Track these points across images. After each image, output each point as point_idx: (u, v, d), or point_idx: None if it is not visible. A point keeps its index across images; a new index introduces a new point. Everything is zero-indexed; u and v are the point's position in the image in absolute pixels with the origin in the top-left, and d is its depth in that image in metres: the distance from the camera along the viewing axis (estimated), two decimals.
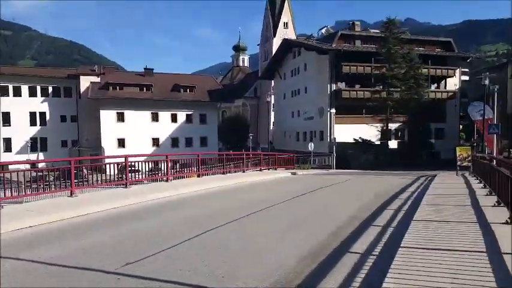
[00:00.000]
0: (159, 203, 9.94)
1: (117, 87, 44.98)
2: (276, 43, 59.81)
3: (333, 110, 38.28)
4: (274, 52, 56.88)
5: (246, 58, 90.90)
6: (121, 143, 44.24)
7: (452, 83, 40.84)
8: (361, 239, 5.89)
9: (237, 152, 22.59)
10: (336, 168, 30.45)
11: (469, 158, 17.82)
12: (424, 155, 35.93)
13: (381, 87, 36.25)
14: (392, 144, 37.83)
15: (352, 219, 7.55)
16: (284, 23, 69.86)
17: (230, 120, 58.09)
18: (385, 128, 36.82)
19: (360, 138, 36.77)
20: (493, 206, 7.48)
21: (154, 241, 5.90)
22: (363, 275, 4.29)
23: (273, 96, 56.99)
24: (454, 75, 40.50)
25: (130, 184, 11.64)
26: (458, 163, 18.67)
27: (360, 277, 4.21)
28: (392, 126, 37.75)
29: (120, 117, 44.71)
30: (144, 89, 46.40)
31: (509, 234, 5.20)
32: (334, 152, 32.26)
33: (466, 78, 51.93)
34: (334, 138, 35.59)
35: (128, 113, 44.91)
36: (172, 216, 8.19)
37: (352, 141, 36.62)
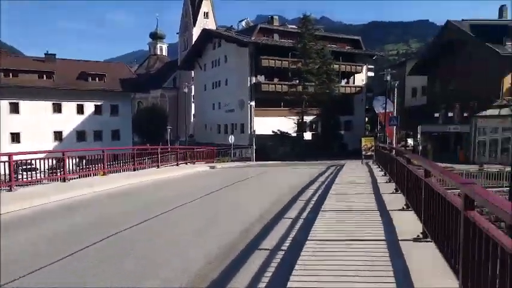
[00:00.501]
0: (48, 209, 8.33)
1: (11, 74, 39.50)
2: (196, 33, 58.32)
3: (253, 103, 38.66)
4: (194, 42, 55.45)
5: (165, 47, 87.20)
6: (15, 137, 39.19)
7: (360, 79, 44.28)
8: (272, 234, 5.86)
9: (152, 146, 21.48)
10: (256, 161, 30.80)
11: (373, 148, 19.42)
12: (335, 145, 38.37)
13: (297, 81, 37.68)
14: (307, 136, 39.71)
15: (265, 213, 7.52)
16: (204, 12, 68.47)
17: (147, 112, 55.15)
18: (300, 120, 38.44)
19: (278, 130, 37.84)
20: (391, 193, 8.08)
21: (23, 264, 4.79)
22: (270, 273, 4.20)
23: (193, 87, 55.68)
24: (362, 71, 43.92)
25: (16, 186, 10.00)
26: (363, 153, 20.25)
27: (267, 276, 4.10)
28: (308, 118, 39.57)
29: (14, 108, 39.49)
30: (44, 76, 41.55)
31: (405, 220, 5.58)
32: (254, 145, 32.63)
33: (372, 74, 56.77)
34: (254, 131, 36.06)
35: (23, 104, 39.85)
36: (62, 224, 7.26)
37: (271, 133, 37.51)
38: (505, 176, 16.86)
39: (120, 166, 14.98)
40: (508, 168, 17.82)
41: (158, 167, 17.11)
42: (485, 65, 29.14)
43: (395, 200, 7.15)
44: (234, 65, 41.87)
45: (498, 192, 16.67)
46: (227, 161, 28.60)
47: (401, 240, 4.61)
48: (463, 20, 33.57)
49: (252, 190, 11.80)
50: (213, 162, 24.82)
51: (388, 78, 20.90)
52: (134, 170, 15.34)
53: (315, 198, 9.09)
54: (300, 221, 6.76)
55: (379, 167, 14.63)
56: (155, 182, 13.56)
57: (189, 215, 7.82)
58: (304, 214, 7.28)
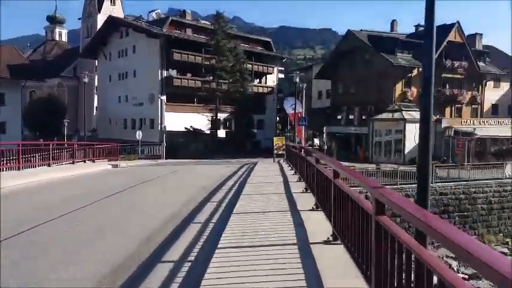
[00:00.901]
0: None
1: None
2: (101, 20, 53.47)
3: (164, 97, 36.98)
4: (98, 29, 50.84)
5: (64, 32, 78.32)
6: None
7: (271, 80, 45.68)
8: (179, 242, 5.32)
9: (44, 142, 18.89)
10: (167, 158, 29.44)
11: (284, 147, 20.00)
12: (248, 143, 38.88)
13: (211, 78, 37.19)
14: (221, 133, 39.51)
15: (172, 218, 6.92)
16: None
17: (41, 103, 48.56)
18: (214, 117, 38.04)
19: (191, 127, 36.86)
20: (302, 192, 8.14)
21: None
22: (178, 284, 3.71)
23: (96, 78, 51.09)
24: (273, 72, 45.36)
25: None
26: (275, 151, 20.78)
27: None
28: (221, 116, 39.35)
29: None
30: None
31: (316, 222, 5.54)
32: (165, 141, 31.15)
33: (282, 76, 59.06)
34: (165, 127, 34.49)
35: None
36: None
37: (184, 130, 36.38)
38: (398, 175, 18.74)
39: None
40: (402, 168, 19.97)
41: (49, 165, 15.03)
42: (380, 72, 32.39)
43: (305, 201, 7.16)
44: (144, 56, 39.54)
45: (393, 190, 18.50)
46: (134, 159, 26.80)
47: (312, 243, 4.50)
48: (361, 30, 36.84)
49: (161, 191, 10.95)
50: (116, 160, 22.95)
51: (297, 80, 21.78)
52: (19, 169, 13.18)
53: (227, 199, 8.76)
54: (211, 225, 6.33)
55: (289, 166, 15.00)
56: (42, 184, 11.78)
57: (80, 224, 6.79)
58: (215, 217, 6.87)
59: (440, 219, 1.77)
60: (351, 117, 36.56)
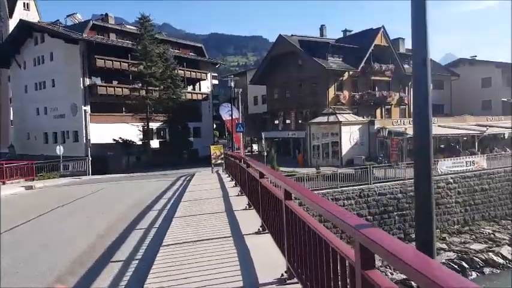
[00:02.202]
0: None
1: None
2: (13, 25, 47.79)
3: (88, 108, 33.82)
4: (9, 35, 45.23)
5: None
6: None
7: (205, 86, 44.33)
8: None
9: None
10: (93, 174, 26.68)
11: (222, 156, 18.92)
12: (185, 153, 37.06)
13: (140, 85, 34.81)
14: (155, 143, 37.16)
15: (87, 255, 5.38)
16: (24, 3, 57.16)
17: None
18: (146, 127, 35.61)
19: (120, 138, 34.07)
20: (244, 210, 7.07)
21: None
22: None
23: (10, 89, 45.42)
24: (206, 78, 44.02)
25: None
26: (213, 161, 19.60)
27: None
28: (154, 125, 37.01)
29: None
30: None
31: (263, 247, 4.52)
32: (89, 155, 28.24)
33: (216, 82, 57.95)
34: (89, 140, 31.37)
35: None
36: None
37: (112, 142, 33.51)
38: (338, 177, 18.59)
39: None
40: (341, 170, 19.92)
41: None
42: (313, 76, 32.77)
43: (249, 219, 6.11)
44: (63, 64, 35.92)
45: (329, 193, 18.29)
46: (54, 177, 23.81)
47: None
48: (292, 35, 37.21)
49: (78, 218, 9.12)
50: (33, 180, 20.01)
51: (232, 84, 20.83)
52: None
53: (158, 224, 7.37)
54: (134, 263, 4.96)
55: (229, 176, 13.90)
56: None
57: None
58: (140, 253, 5.48)
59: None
60: (287, 121, 36.56)
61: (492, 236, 19.63)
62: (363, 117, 30.97)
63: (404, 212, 19.73)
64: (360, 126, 28.73)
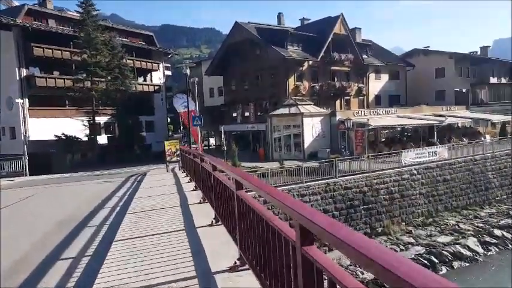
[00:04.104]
0: None
1: None
2: None
3: (26, 101, 30.50)
4: None
5: None
6: None
7: (157, 77, 41.50)
8: None
9: None
10: (33, 175, 23.86)
11: (178, 153, 17.05)
12: (136, 149, 34.54)
13: (84, 75, 31.56)
14: (102, 139, 34.15)
15: None
16: None
17: None
18: (92, 121, 32.49)
19: (63, 134, 30.95)
20: (210, 225, 5.45)
21: None
22: None
23: None
24: (158, 69, 41.21)
25: None
26: (168, 158, 17.68)
27: None
28: (101, 119, 33.98)
29: None
30: None
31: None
32: (26, 153, 25.16)
33: (169, 73, 55.01)
34: (26, 136, 28.07)
35: None
36: None
37: (54, 138, 30.31)
38: (303, 172, 17.40)
39: None
40: (306, 164, 18.71)
41: None
42: (273, 66, 31.28)
43: (217, 242, 4.50)
44: None
45: (294, 189, 17.09)
46: None
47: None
48: (249, 22, 35.46)
49: None
50: None
51: (188, 71, 18.87)
52: None
53: (90, 253, 5.50)
54: None
55: (187, 176, 12.06)
56: None
57: None
58: None
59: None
60: (246, 114, 34.94)
61: (457, 227, 19.62)
62: (324, 109, 30.14)
63: (370, 205, 19.10)
64: (322, 117, 27.81)
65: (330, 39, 32.04)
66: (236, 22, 34.22)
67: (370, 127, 25.03)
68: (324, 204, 17.81)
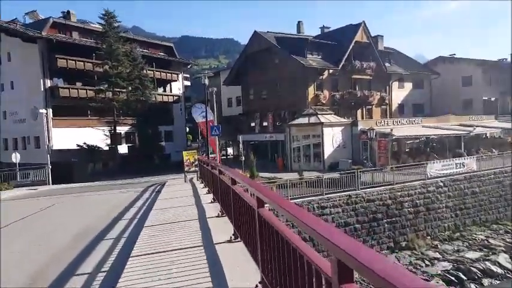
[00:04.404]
0: None
1: None
2: None
3: (50, 111, 31.35)
4: None
5: None
6: None
7: (177, 87, 41.88)
8: None
9: None
10: (56, 183, 24.26)
11: (196, 163, 16.88)
12: (156, 158, 34.70)
13: (106, 86, 32.14)
14: (123, 149, 34.55)
15: None
16: None
17: None
18: (113, 131, 32.92)
19: (84, 143, 31.48)
20: (228, 242, 5.12)
21: None
22: None
23: None
24: (178, 79, 41.60)
25: None
26: (186, 169, 17.51)
27: None
28: (122, 129, 34.42)
29: None
30: None
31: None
32: (49, 162, 25.68)
33: (188, 83, 55.45)
34: (50, 146, 28.75)
35: None
36: None
37: (77, 147, 30.87)
38: (323, 183, 16.86)
39: None
40: (327, 175, 18.15)
41: None
42: (292, 75, 30.92)
43: (238, 262, 4.20)
44: (21, 64, 33.25)
45: (314, 201, 16.54)
46: (7, 188, 21.38)
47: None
48: (268, 32, 35.35)
49: None
50: None
51: (206, 81, 18.73)
52: None
53: (106, 267, 5.30)
54: None
55: (205, 187, 11.79)
56: None
57: None
58: None
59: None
60: (265, 123, 34.60)
61: (486, 242, 18.55)
62: (344, 118, 29.47)
63: (394, 218, 18.32)
64: (343, 127, 27.17)
65: (351, 47, 31.50)
66: (255, 31, 34.19)
67: (394, 137, 24.20)
68: (345, 217, 17.18)
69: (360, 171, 18.34)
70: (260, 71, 34.02)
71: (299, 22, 39.16)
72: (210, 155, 22.49)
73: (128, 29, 49.25)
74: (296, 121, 27.72)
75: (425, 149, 29.48)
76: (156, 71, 38.36)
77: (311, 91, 30.27)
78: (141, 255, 4.86)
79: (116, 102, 31.74)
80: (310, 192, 16.78)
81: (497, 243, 18.41)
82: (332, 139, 26.27)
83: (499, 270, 15.78)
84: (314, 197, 16.46)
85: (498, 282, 15.28)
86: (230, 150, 44.46)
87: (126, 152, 34.74)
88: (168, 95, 40.53)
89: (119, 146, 33.70)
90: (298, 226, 1.91)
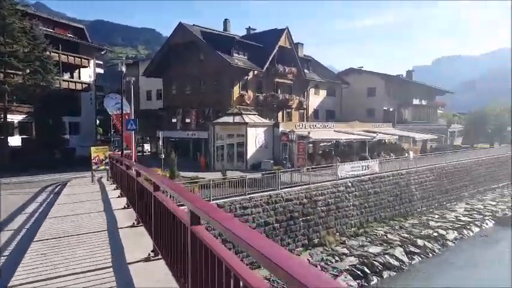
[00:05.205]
0: None
1: None
2: None
3: None
4: None
5: None
6: None
7: (87, 74, 38.01)
8: None
9: None
10: None
11: (107, 161, 15.32)
12: (57, 153, 30.88)
13: None
14: (16, 141, 29.98)
15: None
16: None
17: None
18: (3, 120, 28.39)
19: None
20: (146, 261, 4.38)
21: None
22: None
23: None
24: (89, 65, 37.79)
25: None
26: (94, 167, 15.78)
27: None
28: (14, 118, 29.89)
29: None
30: None
31: None
32: None
33: (101, 71, 51.05)
34: None
35: None
36: None
37: None
38: (247, 183, 16.82)
39: None
40: (250, 175, 18.14)
41: None
42: (218, 72, 30.44)
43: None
44: None
45: (236, 201, 16.43)
46: None
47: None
48: (194, 25, 34.31)
49: None
50: None
51: (123, 68, 17.03)
52: None
53: None
54: None
55: (117, 188, 10.60)
56: None
57: None
58: None
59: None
60: (187, 120, 33.42)
61: (385, 237, 20.50)
62: (267, 119, 30.11)
63: (308, 217, 19.16)
64: (266, 128, 27.70)
65: (275, 51, 32.28)
66: (180, 23, 32.81)
67: (311, 140, 25.44)
68: (265, 216, 17.39)
69: (281, 172, 18.77)
70: (184, 64, 32.77)
71: (226, 20, 38.73)
72: (124, 151, 20.84)
73: (29, 3, 43.33)
74: (221, 119, 27.37)
75: (332, 152, 31.75)
76: (63, 54, 34.16)
77: (236, 90, 30.21)
78: (23, 284, 3.73)
79: (8, 85, 27.38)
80: (233, 192, 16.60)
81: (394, 238, 20.51)
82: (255, 139, 26.59)
83: (396, 263, 17.53)
84: (237, 197, 16.31)
85: (395, 273, 16.97)
86: (148, 147, 42.13)
87: (20, 144, 30.30)
88: (76, 82, 36.46)
89: (10, 138, 29.19)
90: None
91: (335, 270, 16.57)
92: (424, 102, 50.14)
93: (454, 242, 20.85)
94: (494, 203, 29.08)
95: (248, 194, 16.81)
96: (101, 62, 50.83)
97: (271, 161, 24.76)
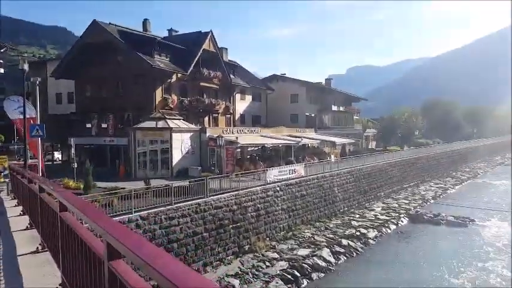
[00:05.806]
0: None
1: None
2: None
3: None
4: None
5: None
6: None
7: None
8: None
9: None
10: None
11: (6, 172, 13.26)
12: None
13: None
14: None
15: None
16: None
17: None
18: None
19: None
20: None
21: None
22: None
23: None
24: None
25: None
26: None
27: None
28: None
29: None
30: None
31: None
32: None
33: (2, 71, 44.87)
34: None
35: None
36: None
37: None
38: (173, 192, 15.86)
39: None
40: (176, 183, 17.14)
41: None
42: (138, 75, 28.74)
43: None
44: None
45: (162, 212, 15.44)
46: None
47: None
48: (110, 23, 31.91)
49: None
50: None
51: (26, 67, 14.85)
52: None
53: None
54: None
55: (18, 205, 9.05)
56: None
57: None
58: None
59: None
60: (104, 125, 30.85)
61: (312, 239, 21.06)
62: (193, 124, 29.12)
63: (238, 224, 18.84)
64: (192, 133, 26.73)
65: (199, 54, 31.51)
66: (94, 20, 30.22)
67: (239, 145, 25.23)
68: (193, 226, 16.60)
69: (209, 178, 18.16)
70: (100, 66, 30.17)
71: (146, 20, 36.71)
72: (30, 161, 18.31)
73: None
74: (142, 124, 25.72)
75: (263, 156, 32.05)
76: None
77: (159, 94, 28.72)
78: None
79: None
80: (158, 202, 15.52)
81: (321, 239, 21.17)
82: (181, 145, 25.48)
83: (323, 264, 18.03)
84: (162, 208, 15.28)
85: (323, 274, 17.41)
86: (58, 155, 37.99)
87: None
88: None
89: None
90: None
91: (266, 276, 16.43)
92: (342, 108, 53.61)
93: (374, 240, 22.24)
94: (407, 201, 31.97)
95: (175, 203, 15.89)
96: (1, 61, 44.76)
97: (199, 168, 23.96)
